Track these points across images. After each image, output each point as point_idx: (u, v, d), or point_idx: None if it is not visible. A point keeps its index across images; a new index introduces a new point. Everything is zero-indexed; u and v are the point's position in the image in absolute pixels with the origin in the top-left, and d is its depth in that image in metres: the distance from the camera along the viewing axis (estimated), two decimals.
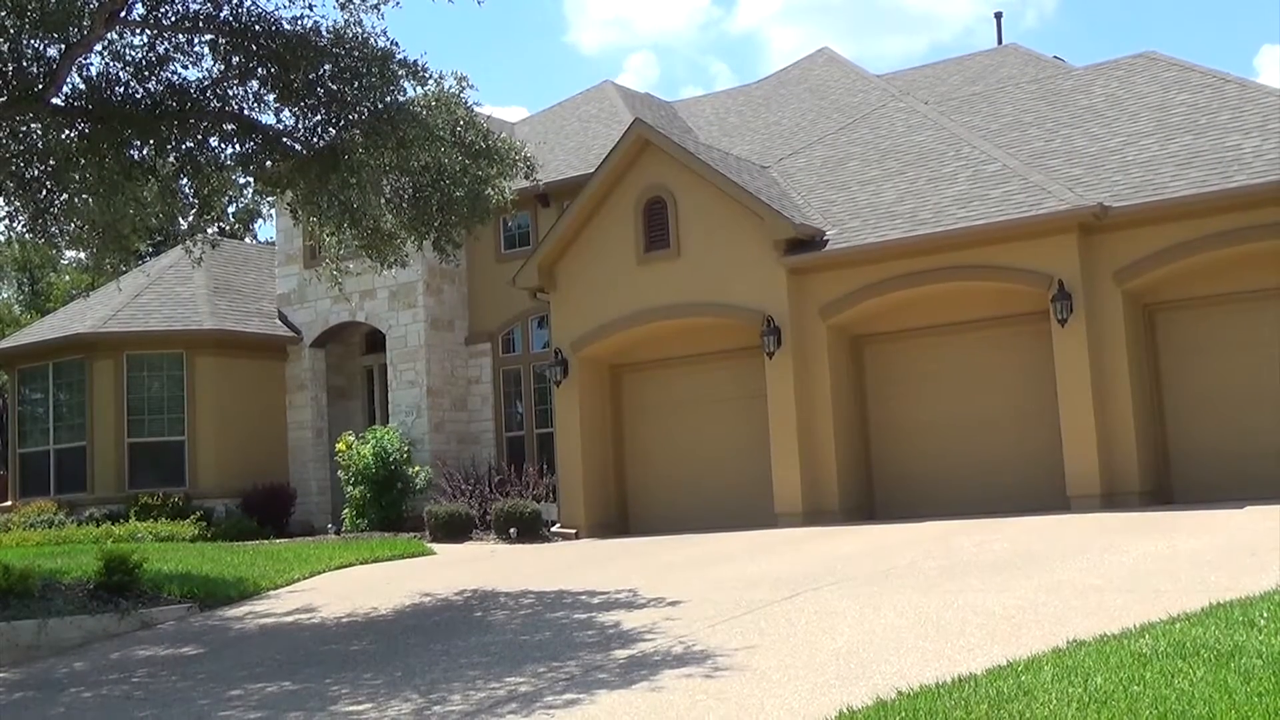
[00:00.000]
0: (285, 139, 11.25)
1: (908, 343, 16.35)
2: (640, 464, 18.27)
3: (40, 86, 10.57)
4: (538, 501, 18.02)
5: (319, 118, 11.00)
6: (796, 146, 20.42)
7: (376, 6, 10.85)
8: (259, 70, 10.77)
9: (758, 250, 16.45)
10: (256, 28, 10.68)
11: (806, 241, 16.34)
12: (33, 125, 11.04)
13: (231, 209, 31.78)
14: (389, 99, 10.88)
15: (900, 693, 5.78)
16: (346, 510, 19.89)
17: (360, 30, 10.83)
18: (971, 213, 15.38)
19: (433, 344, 21.02)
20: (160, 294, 22.07)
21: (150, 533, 18.10)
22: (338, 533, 19.33)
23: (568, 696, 6.76)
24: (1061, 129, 16.99)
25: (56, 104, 10.81)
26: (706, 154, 17.40)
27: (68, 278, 36.89)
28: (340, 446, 19.93)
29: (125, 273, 20.98)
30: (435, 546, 16.65)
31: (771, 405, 16.27)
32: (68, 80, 10.77)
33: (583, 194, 17.82)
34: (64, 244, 12.25)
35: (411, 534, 18.09)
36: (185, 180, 11.44)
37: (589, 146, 21.97)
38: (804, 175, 18.61)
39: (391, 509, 19.42)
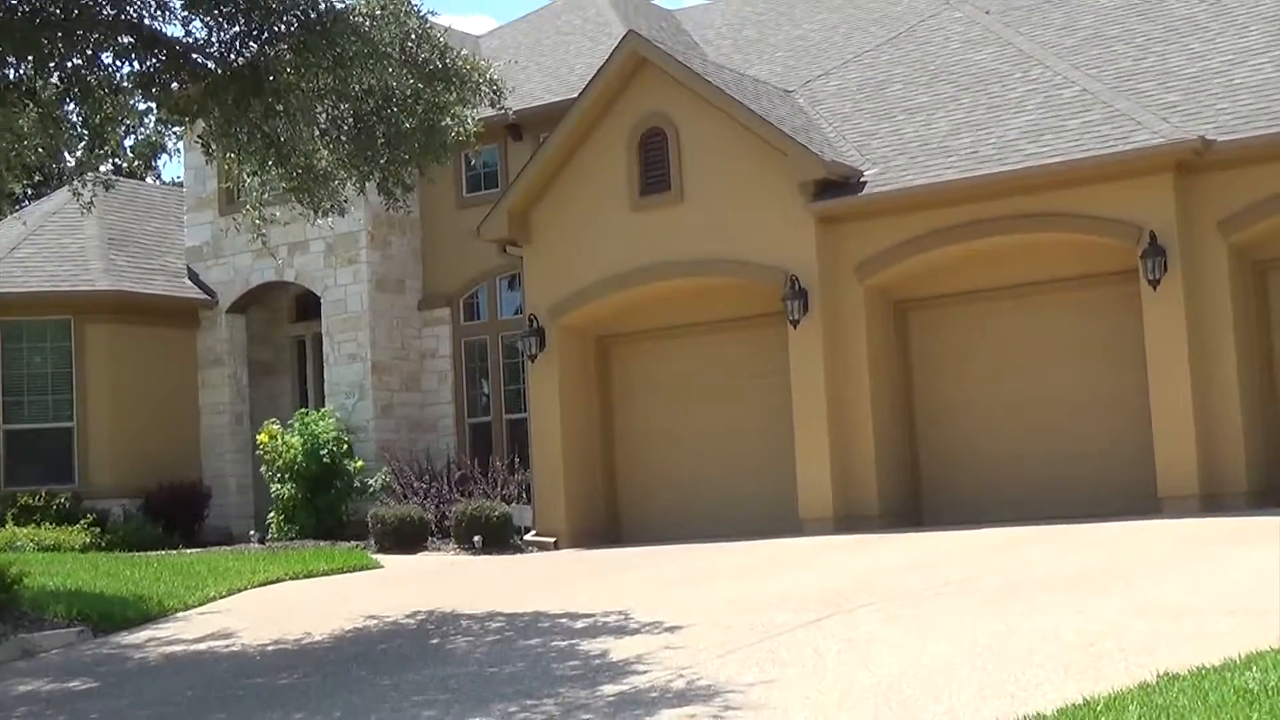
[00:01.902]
0: (195, 55, 11.22)
1: (963, 308, 16.46)
2: (634, 457, 18.40)
3: None
4: (508, 503, 18.14)
5: (237, 29, 11.00)
6: (828, 66, 20.45)
7: None
8: None
9: (780, 194, 16.54)
10: None
11: (839, 183, 16.40)
12: None
13: (129, 142, 31.80)
14: (323, 6, 10.83)
15: None
16: (273, 514, 20.00)
17: None
18: (1043, 148, 15.45)
19: (378, 309, 21.11)
20: (41, 247, 22.09)
21: (32, 540, 18.19)
22: (262, 541, 19.45)
23: None
24: (1154, 45, 17.08)
25: None
26: (717, 75, 17.46)
27: None
28: (264, 436, 20.05)
29: None
30: (382, 558, 16.77)
31: (795, 385, 16.35)
32: None
33: (563, 124, 17.85)
34: None
35: (353, 543, 18.27)
36: (72, 106, 11.37)
37: (571, 66, 21.94)
38: (836, 102, 18.64)
39: (328, 512, 19.56)
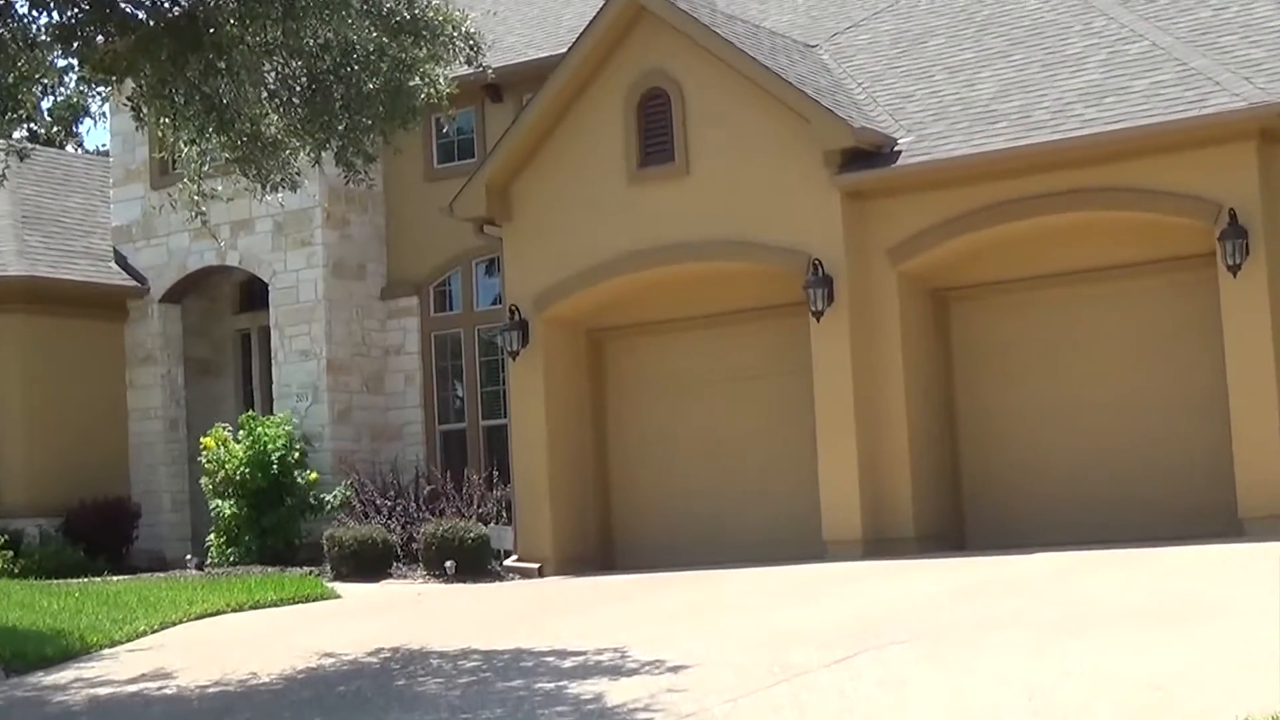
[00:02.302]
0: (124, 4, 11.18)
1: (1014, 298, 16.44)
2: (631, 471, 18.42)
3: None
4: (485, 524, 18.20)
5: None
6: (856, 17, 20.35)
7: None
8: None
9: (801, 166, 16.51)
10: None
11: (870, 153, 16.38)
12: None
13: (47, 104, 31.68)
14: None
15: None
16: (213, 535, 20.09)
17: None
18: (1106, 113, 15.43)
19: (336, 298, 21.20)
20: None
21: None
22: (200, 567, 19.53)
23: None
24: None
25: None
26: (727, 27, 17.41)
27: None
28: (209, 441, 20.14)
29: None
30: (340, 587, 16.83)
31: (819, 387, 16.34)
32: None
33: (550, 84, 17.86)
34: None
35: (306, 569, 18.32)
36: None
37: (559, 16, 22.02)
38: (866, 58, 18.64)
39: (277, 533, 19.67)
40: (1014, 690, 7.97)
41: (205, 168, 12.96)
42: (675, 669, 9.61)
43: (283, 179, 12.57)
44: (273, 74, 11.89)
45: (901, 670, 8.79)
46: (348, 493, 19.61)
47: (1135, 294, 15.78)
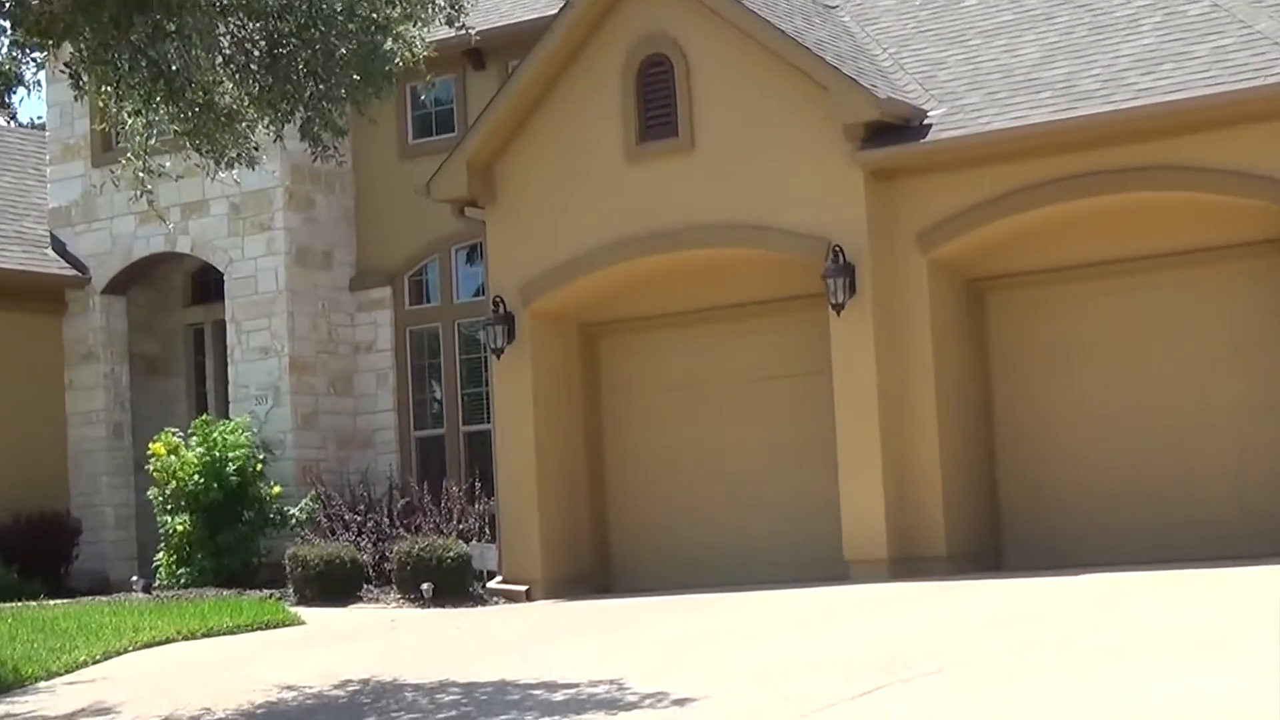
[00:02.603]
0: None
1: (1059, 290, 16.44)
2: (630, 481, 18.45)
3: None
4: (466, 541, 18.16)
5: None
6: None
7: None
8: None
9: (820, 141, 16.50)
10: None
11: (897, 127, 16.37)
12: None
13: None
14: None
15: None
16: (162, 554, 20.05)
17: None
18: (1161, 81, 15.37)
19: (299, 289, 21.19)
20: None
21: None
22: (148, 589, 19.39)
23: None
24: None
25: None
26: None
27: None
28: (158, 448, 20.08)
29: None
30: (304, 612, 16.76)
31: (839, 388, 16.34)
32: None
33: (539, 49, 17.79)
34: None
35: (266, 592, 18.31)
36: None
37: None
38: (893, 20, 18.67)
39: (234, 552, 19.65)
40: None
41: (152, 142, 12.84)
42: (680, 702, 9.55)
43: (239, 155, 12.47)
44: (228, 36, 11.80)
45: (933, 704, 8.74)
46: (313, 506, 19.59)
47: (1196, 284, 15.76)
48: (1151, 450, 15.89)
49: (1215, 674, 8.80)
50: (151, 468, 20.05)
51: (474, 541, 18.27)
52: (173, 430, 20.31)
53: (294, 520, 19.65)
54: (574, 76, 17.78)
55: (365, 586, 18.02)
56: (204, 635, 15.00)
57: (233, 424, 20.23)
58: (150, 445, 20.29)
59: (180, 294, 23.18)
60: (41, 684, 12.71)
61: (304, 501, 19.77)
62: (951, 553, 15.90)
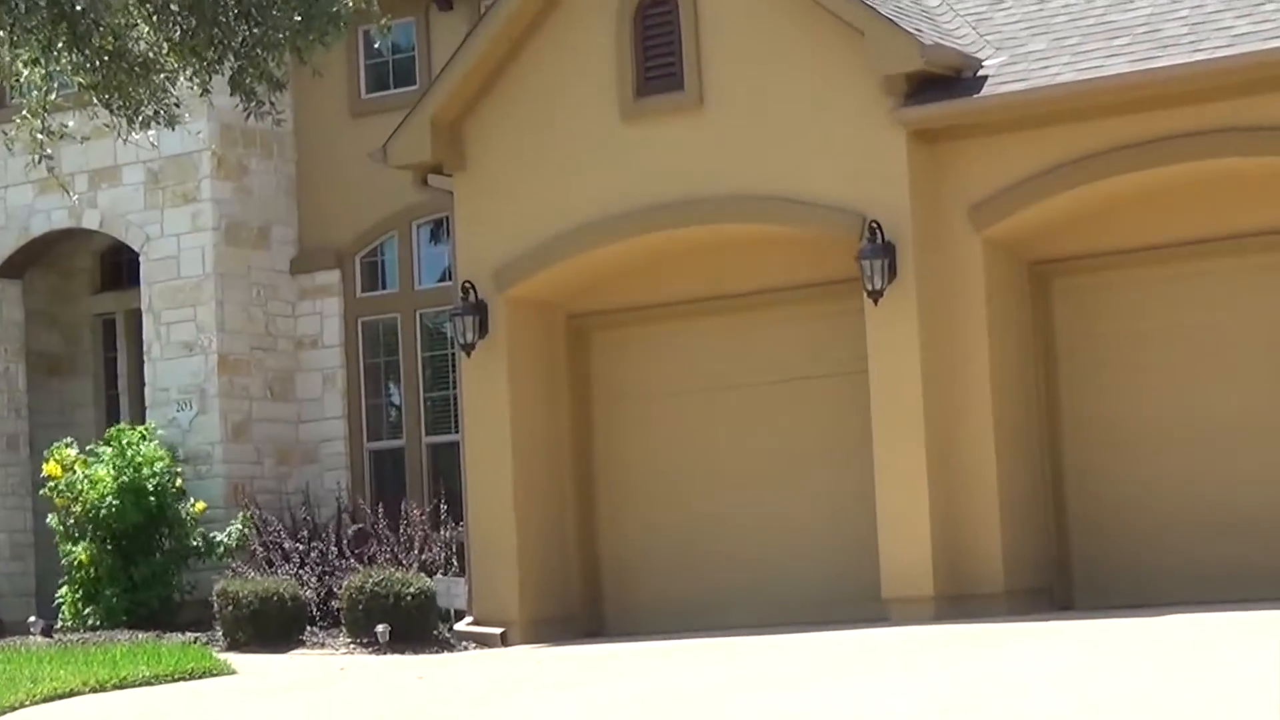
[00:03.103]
0: None
1: (1140, 274, 16.37)
2: (627, 503, 18.38)
3: None
4: (430, 574, 18.12)
5: None
6: None
7: None
8: None
9: (852, 95, 16.46)
10: None
11: (946, 79, 16.35)
12: None
13: None
14: None
15: None
16: (65, 589, 19.96)
17: None
18: (1262, 25, 15.25)
19: (230, 272, 21.10)
20: None
21: None
22: (49, 631, 19.37)
23: None
24: None
25: None
26: None
27: None
28: (52, 467, 20.01)
29: None
30: (236, 659, 16.66)
31: (877, 391, 16.31)
32: None
33: None
34: None
35: (191, 635, 18.21)
36: None
37: None
38: None
39: (153, 586, 19.64)
40: None
41: (53, 97, 12.82)
42: None
43: (157, 112, 12.57)
44: None
45: None
46: (244, 532, 19.55)
47: None
48: (1249, 463, 15.82)
49: None
50: (52, 488, 19.98)
51: (439, 575, 18.23)
52: (67, 442, 20.26)
53: (221, 549, 19.62)
54: (560, 18, 17.66)
55: (309, 628, 18.05)
56: (115, 687, 14.88)
57: (142, 431, 20.16)
58: (46, 461, 20.23)
59: (87, 279, 23.07)
60: None
61: (232, 526, 19.73)
62: (1011, 589, 15.83)
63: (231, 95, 12.58)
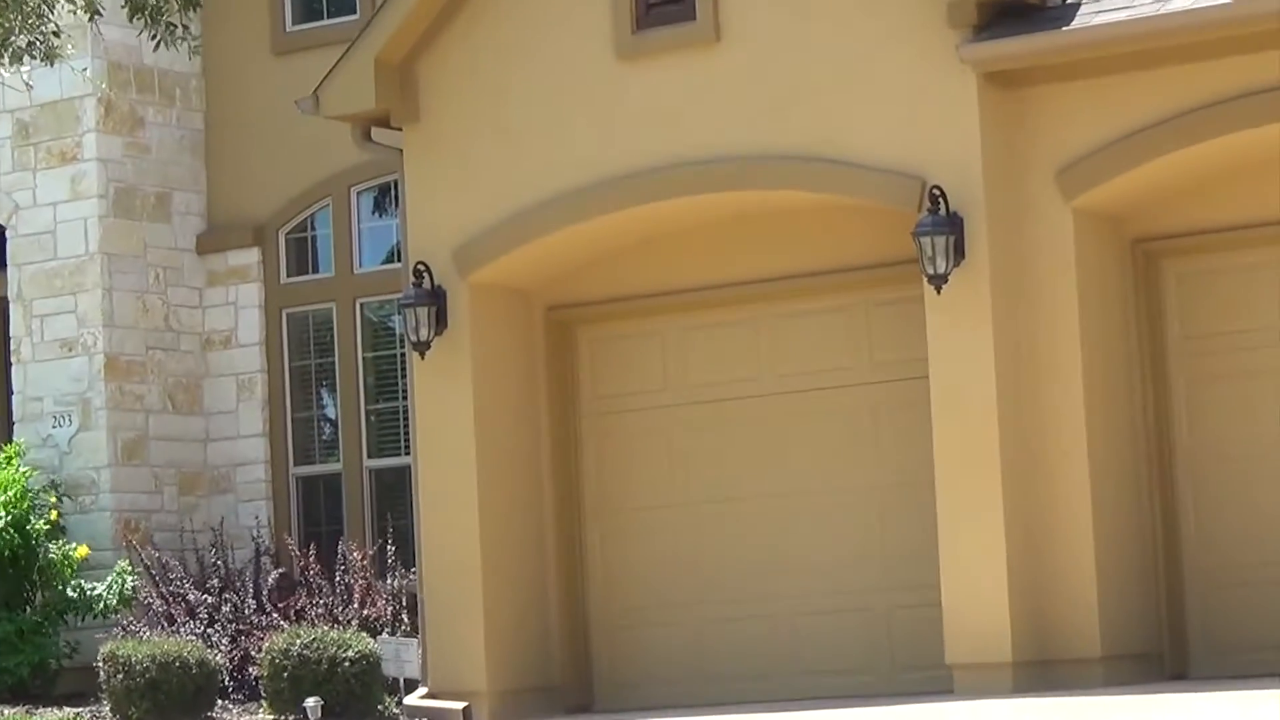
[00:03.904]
0: None
1: (1269, 252, 16.26)
2: (622, 542, 18.33)
3: None
4: (374, 633, 18.02)
5: None
6: None
7: None
8: None
9: (907, 26, 16.40)
10: None
11: (1027, 7, 16.17)
12: None
13: None
14: None
15: None
16: None
17: None
18: None
19: (120, 251, 21.00)
20: None
21: None
22: None
23: None
24: None
25: None
26: None
27: None
28: None
29: None
30: None
31: (939, 404, 16.20)
32: None
33: None
34: None
35: (72, 710, 18.26)
36: None
37: None
38: None
39: (20, 649, 19.33)
40: None
41: None
42: None
43: (32, 43, 12.48)
44: None
45: None
46: (133, 579, 19.41)
47: None
48: None
49: None
50: None
51: (385, 635, 18.07)
52: None
53: (106, 602, 19.37)
54: None
55: (220, 702, 17.80)
56: None
57: (9, 452, 20.00)
58: None
59: None
60: None
61: (116, 573, 19.54)
62: (1110, 653, 15.72)
63: (131, 21, 12.46)
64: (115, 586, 19.47)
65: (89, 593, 19.56)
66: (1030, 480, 16.04)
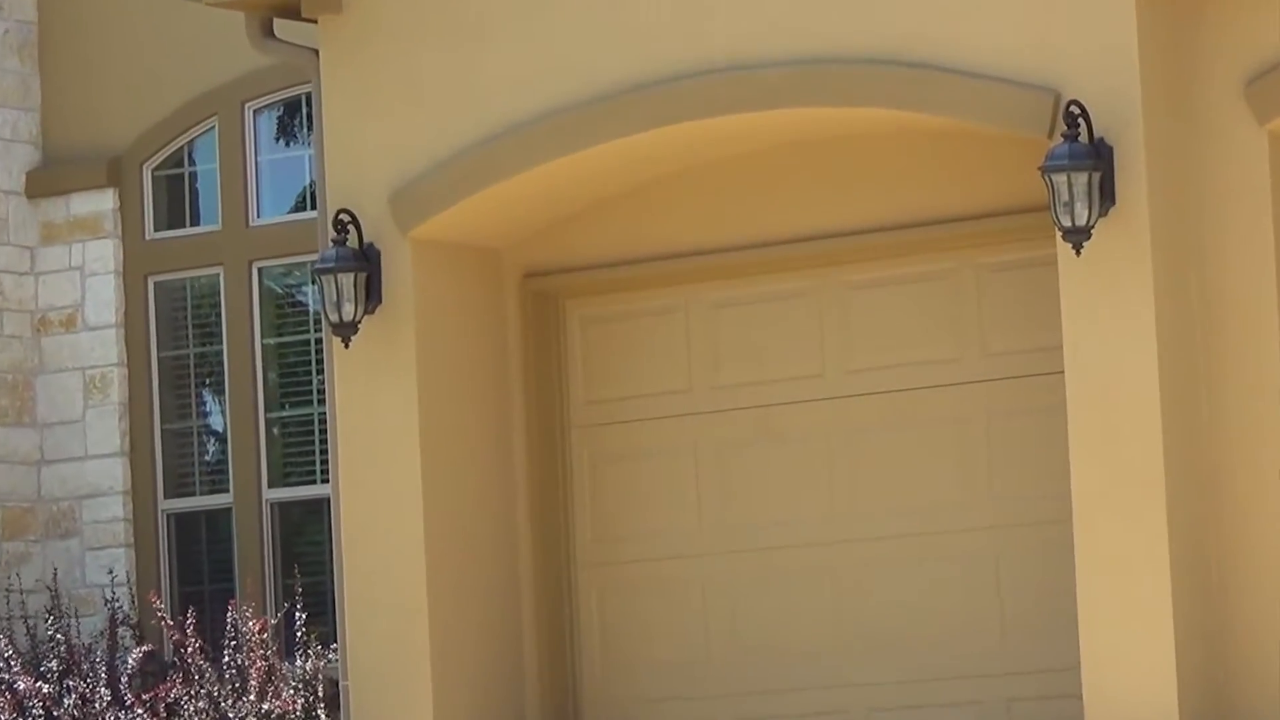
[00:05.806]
0: None
1: None
2: (623, 591, 17.18)
3: None
4: None
5: None
6: None
7: None
8: None
9: None
10: None
11: None
12: None
13: None
14: None
15: None
16: None
17: None
18: None
19: None
20: None
21: None
22: None
23: None
24: None
25: None
26: None
27: None
28: None
29: None
30: None
31: (1076, 408, 14.52)
32: None
33: None
34: None
35: None
36: None
37: None
38: None
39: None
40: None
41: None
42: None
43: None
44: None
45: None
46: None
47: None
48: None
49: None
50: None
51: None
52: None
53: None
54: None
55: None
56: None
57: None
58: None
59: None
60: None
61: None
62: None
63: None
64: None
65: None
66: (1205, 507, 14.64)
